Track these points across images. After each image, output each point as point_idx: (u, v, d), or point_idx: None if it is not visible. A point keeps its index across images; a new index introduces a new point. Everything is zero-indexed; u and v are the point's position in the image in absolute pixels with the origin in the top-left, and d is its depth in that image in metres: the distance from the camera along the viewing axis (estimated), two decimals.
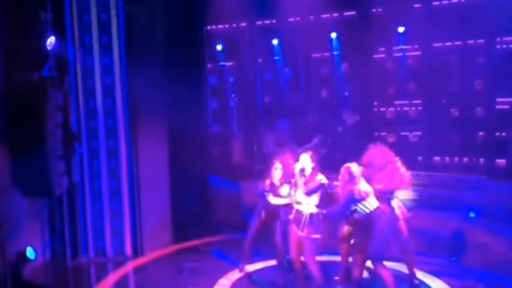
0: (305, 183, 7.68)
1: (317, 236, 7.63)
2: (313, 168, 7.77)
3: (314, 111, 12.78)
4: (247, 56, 13.18)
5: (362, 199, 7.55)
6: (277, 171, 8.54)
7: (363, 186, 7.61)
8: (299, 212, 7.74)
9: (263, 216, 8.75)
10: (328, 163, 8.55)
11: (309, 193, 7.64)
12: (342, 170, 7.68)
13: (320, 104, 12.92)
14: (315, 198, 7.67)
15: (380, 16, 11.91)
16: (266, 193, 8.51)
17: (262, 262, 9.38)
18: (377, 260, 7.65)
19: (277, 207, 8.45)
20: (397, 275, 8.12)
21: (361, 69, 12.27)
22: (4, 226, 7.93)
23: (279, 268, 8.85)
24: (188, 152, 11.77)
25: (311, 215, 7.64)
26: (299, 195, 7.72)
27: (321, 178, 7.74)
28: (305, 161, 7.78)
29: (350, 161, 7.84)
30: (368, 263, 7.91)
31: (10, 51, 8.61)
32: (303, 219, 7.66)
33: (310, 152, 7.93)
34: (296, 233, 7.76)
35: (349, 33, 12.15)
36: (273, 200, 8.45)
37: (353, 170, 7.59)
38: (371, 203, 7.59)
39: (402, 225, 8.01)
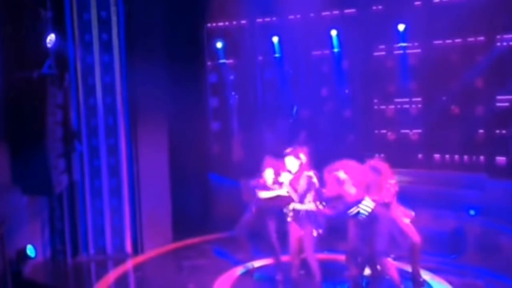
0: (294, 182, 7.76)
1: (318, 232, 7.67)
2: (301, 165, 7.82)
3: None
4: (247, 54, 13.13)
5: (362, 199, 7.49)
6: (270, 175, 8.56)
7: (353, 189, 7.53)
8: (297, 211, 7.77)
9: (253, 210, 8.78)
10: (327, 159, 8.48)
11: (302, 197, 7.71)
12: (330, 178, 7.60)
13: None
14: (309, 197, 7.71)
15: (380, 13, 11.88)
16: (257, 190, 8.54)
17: (260, 260, 9.39)
18: (382, 256, 7.63)
19: (268, 203, 8.47)
20: (401, 274, 8.11)
21: (361, 67, 12.26)
22: (4, 224, 7.93)
23: (277, 266, 8.85)
24: (188, 150, 11.78)
25: (309, 212, 7.68)
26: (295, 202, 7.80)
27: (310, 176, 7.76)
28: (290, 163, 7.85)
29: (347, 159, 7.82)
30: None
31: (10, 49, 8.62)
32: (302, 217, 7.70)
33: (293, 154, 7.92)
34: (297, 231, 7.78)
35: (349, 31, 12.12)
36: (262, 194, 8.47)
37: (340, 176, 7.52)
38: (369, 202, 7.52)
39: (409, 225, 8.00)
